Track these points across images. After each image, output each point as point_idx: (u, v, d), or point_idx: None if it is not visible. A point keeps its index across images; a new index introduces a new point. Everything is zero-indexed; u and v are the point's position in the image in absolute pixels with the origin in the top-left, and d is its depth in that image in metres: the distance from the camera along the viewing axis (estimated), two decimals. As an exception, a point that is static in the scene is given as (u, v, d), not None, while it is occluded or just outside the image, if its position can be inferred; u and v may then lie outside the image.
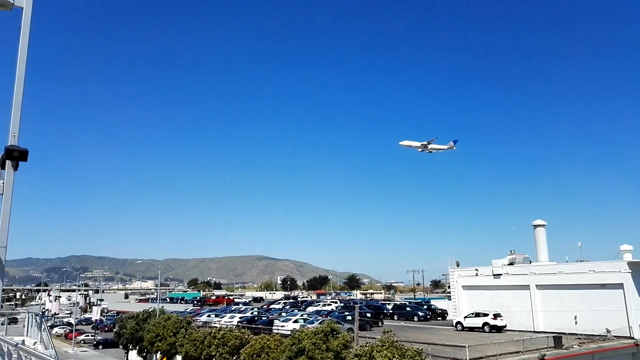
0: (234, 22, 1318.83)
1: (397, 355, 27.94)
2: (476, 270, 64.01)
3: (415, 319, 67.97)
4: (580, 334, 46.78)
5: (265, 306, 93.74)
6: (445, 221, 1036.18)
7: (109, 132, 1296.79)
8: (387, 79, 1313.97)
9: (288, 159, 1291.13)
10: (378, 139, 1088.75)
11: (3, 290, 10.18)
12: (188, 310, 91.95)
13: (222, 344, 42.61)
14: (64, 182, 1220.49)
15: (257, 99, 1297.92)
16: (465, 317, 56.35)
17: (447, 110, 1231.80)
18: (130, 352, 66.24)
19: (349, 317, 54.46)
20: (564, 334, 45.16)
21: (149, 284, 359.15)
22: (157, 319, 55.31)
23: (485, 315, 54.38)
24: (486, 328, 53.01)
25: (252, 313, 70.43)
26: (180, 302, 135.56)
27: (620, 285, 49.78)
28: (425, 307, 76.90)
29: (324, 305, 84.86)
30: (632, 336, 47.46)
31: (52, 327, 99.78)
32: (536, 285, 56.71)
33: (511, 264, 61.74)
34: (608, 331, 47.30)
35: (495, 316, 53.76)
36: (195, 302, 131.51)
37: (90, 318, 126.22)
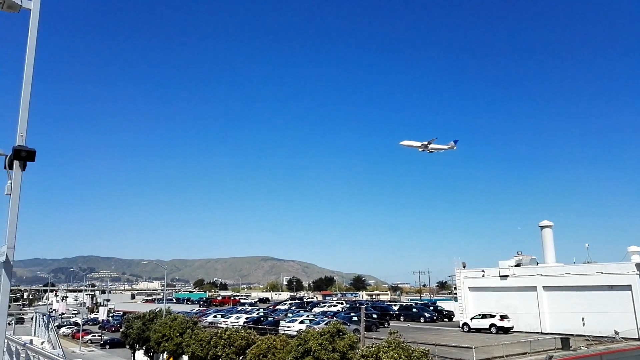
0: (233, 22, 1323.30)
1: (403, 356, 27.87)
2: (483, 271, 63.76)
3: (422, 320, 67.79)
4: (588, 336, 46.54)
5: (271, 307, 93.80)
6: (451, 222, 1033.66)
7: (114, 133, 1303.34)
8: (387, 79, 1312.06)
9: (292, 159, 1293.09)
10: (379, 139, 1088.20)
11: (11, 290, 10.20)
12: (194, 310, 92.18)
13: (229, 344, 42.67)
14: (71, 182, 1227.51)
15: (258, 99, 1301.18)
16: (471, 319, 56.16)
17: (448, 110, 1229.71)
18: (137, 352, 66.45)
19: (355, 318, 54.38)
20: (572, 335, 44.94)
21: (156, 285, 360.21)
22: (163, 319, 55.45)
23: (492, 316, 54.15)
24: (493, 329, 52.80)
25: (258, 314, 70.54)
26: (187, 303, 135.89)
27: (628, 287, 49.42)
28: (431, 308, 76.74)
29: (330, 306, 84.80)
30: (640, 338, 47.15)
31: (59, 327, 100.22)
32: (543, 287, 56.44)
33: (518, 265, 61.47)
34: (616, 333, 47.00)
35: (502, 317, 53.53)
36: (202, 302, 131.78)
37: (97, 318, 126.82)
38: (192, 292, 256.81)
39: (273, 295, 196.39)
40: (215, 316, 70.88)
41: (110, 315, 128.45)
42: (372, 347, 30.20)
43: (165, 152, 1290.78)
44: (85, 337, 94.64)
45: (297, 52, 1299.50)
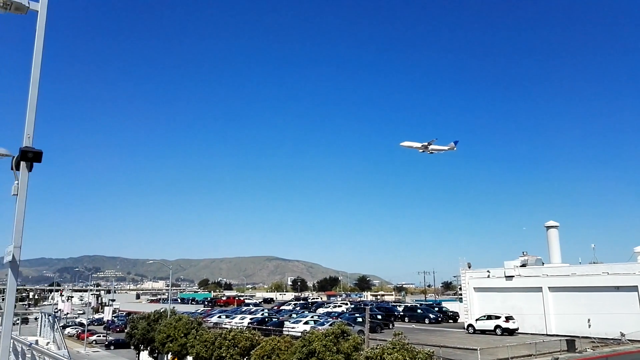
0: (233, 22, 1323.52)
1: (408, 358, 27.78)
2: (488, 272, 63.59)
3: (427, 321, 67.67)
4: (594, 338, 46.28)
5: (275, 307, 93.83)
6: (456, 222, 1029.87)
7: (118, 133, 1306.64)
8: (387, 79, 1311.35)
9: (296, 159, 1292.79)
10: (380, 139, 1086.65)
11: (17, 289, 10.24)
12: (199, 311, 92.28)
13: (233, 345, 42.68)
14: (77, 182, 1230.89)
15: (258, 99, 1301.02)
16: (476, 320, 56.01)
17: (449, 111, 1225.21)
18: (141, 352, 66.55)
19: (360, 319, 54.33)
20: (577, 337, 44.70)
21: (160, 285, 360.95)
22: (168, 320, 55.52)
23: (497, 317, 53.98)
24: (498, 331, 52.64)
25: (262, 314, 70.57)
26: (191, 303, 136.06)
27: (634, 288, 49.17)
28: (436, 309, 76.64)
29: (335, 306, 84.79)
30: (646, 340, 46.85)
31: (64, 327, 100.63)
32: (549, 288, 56.24)
33: (523, 265, 61.27)
34: (622, 335, 46.74)
35: (508, 319, 53.36)
36: (206, 302, 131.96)
37: (102, 318, 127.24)
38: (197, 292, 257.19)
39: (277, 296, 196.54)
40: (219, 317, 70.95)
41: (115, 315, 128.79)
42: (376, 348, 30.14)
43: (170, 152, 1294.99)
44: (90, 337, 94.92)
45: (297, 52, 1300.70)
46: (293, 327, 52.82)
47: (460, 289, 77.02)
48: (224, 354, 42.80)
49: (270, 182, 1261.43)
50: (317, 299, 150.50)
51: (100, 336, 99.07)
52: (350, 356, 31.90)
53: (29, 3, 10.79)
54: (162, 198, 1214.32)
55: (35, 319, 59.58)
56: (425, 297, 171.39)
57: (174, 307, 67.88)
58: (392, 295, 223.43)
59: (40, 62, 10.62)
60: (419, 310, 73.48)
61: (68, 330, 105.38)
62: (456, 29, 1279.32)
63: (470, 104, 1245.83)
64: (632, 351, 44.27)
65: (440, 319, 68.86)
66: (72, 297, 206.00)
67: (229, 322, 62.96)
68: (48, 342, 29.42)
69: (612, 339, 46.54)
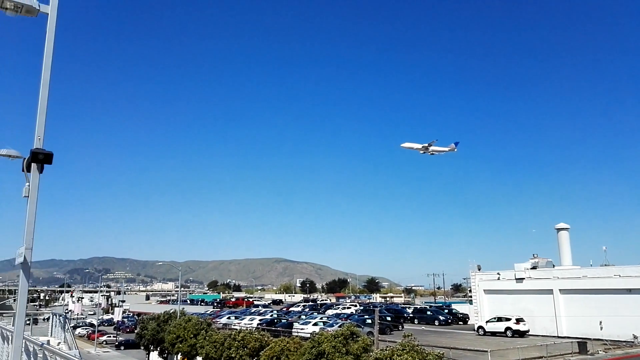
0: (234, 22, 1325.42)
1: (418, 360, 27.69)
2: (498, 274, 63.24)
3: (436, 323, 67.32)
4: (606, 340, 45.83)
5: (284, 309, 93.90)
6: (466, 224, 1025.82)
7: (129, 134, 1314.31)
8: (386, 80, 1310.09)
9: (304, 160, 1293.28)
10: (382, 139, 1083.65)
11: (28, 290, 10.30)
12: (208, 312, 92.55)
13: (242, 346, 42.75)
14: (86, 184, 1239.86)
15: (259, 100, 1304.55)
16: (487, 322, 55.67)
17: (452, 111, 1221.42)
18: (151, 353, 66.84)
19: (369, 321, 54.20)
20: (589, 339, 44.34)
21: (170, 286, 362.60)
22: (177, 321, 55.71)
23: (508, 319, 53.64)
24: (509, 333, 52.29)
25: (271, 315, 70.67)
26: (201, 304, 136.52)
27: (647, 290, 48.69)
28: (446, 311, 76.25)
29: (344, 308, 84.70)
30: (659, 342, 46.33)
31: (74, 327, 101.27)
32: (560, 290, 55.84)
33: (534, 267, 60.85)
34: (635, 337, 46.28)
35: (518, 321, 52.99)
36: (215, 304, 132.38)
37: (112, 319, 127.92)
38: (206, 293, 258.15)
39: (286, 297, 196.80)
40: (229, 317, 71.13)
41: (125, 316, 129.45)
42: (386, 350, 30.05)
43: (179, 154, 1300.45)
44: (100, 338, 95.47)
45: (297, 52, 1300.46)
46: (302, 329, 52.81)
47: (470, 291, 76.70)
48: (233, 355, 42.87)
49: (279, 184, 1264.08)
50: (326, 300, 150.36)
51: (110, 337, 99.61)
52: (359, 357, 31.82)
53: (39, 6, 10.86)
54: (172, 200, 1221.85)
55: (44, 319, 60.04)
56: (435, 299, 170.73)
57: (183, 308, 68.12)
58: (402, 297, 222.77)
59: (50, 64, 10.69)
60: (428, 312, 73.12)
61: (78, 330, 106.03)
62: (456, 29, 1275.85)
63: (475, 105, 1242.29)
64: (645, 354, 43.85)
65: (450, 320, 68.48)
66: (82, 298, 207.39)
67: (238, 323, 63.08)
68: (59, 343, 29.60)
69: (624, 341, 46.07)
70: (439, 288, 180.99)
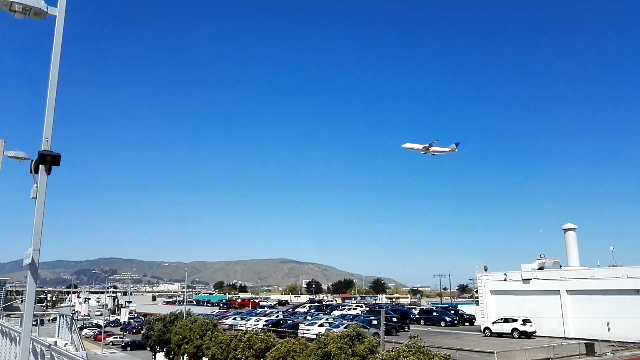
0: (234, 22, 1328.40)
1: (424, 361, 27.58)
2: (505, 274, 63.00)
3: (442, 324, 67.13)
4: (614, 341, 45.54)
5: (290, 309, 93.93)
6: (472, 225, 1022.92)
7: (135, 135, 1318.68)
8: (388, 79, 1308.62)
9: (312, 161, 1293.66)
10: (380, 140, 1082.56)
11: (35, 291, 10.35)
12: (214, 313, 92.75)
13: (248, 347, 42.79)
14: (93, 185, 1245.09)
15: (260, 100, 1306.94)
16: (493, 323, 55.45)
17: (457, 112, 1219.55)
18: (157, 354, 66.99)
19: (375, 322, 54.10)
20: (597, 340, 44.08)
21: (176, 287, 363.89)
22: (184, 322, 55.84)
23: (514, 320, 53.39)
24: (515, 334, 52.03)
25: (277, 316, 70.69)
26: (207, 305, 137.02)
27: (655, 291, 48.34)
28: (452, 312, 76.03)
29: (349, 309, 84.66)
30: (668, 344, 45.99)
31: (81, 328, 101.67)
32: (567, 291, 55.53)
33: (541, 268, 60.55)
34: (643, 338, 45.93)
35: (525, 322, 52.73)
36: (221, 304, 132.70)
37: (119, 320, 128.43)
38: (212, 294, 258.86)
39: (292, 298, 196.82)
40: (234, 318, 71.25)
41: (132, 317, 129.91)
42: (392, 351, 29.96)
43: (186, 155, 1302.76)
44: (107, 339, 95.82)
45: (298, 53, 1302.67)
46: (308, 330, 52.80)
47: (477, 291, 76.39)
48: (239, 356, 42.92)
49: (284, 185, 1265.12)
50: (331, 301, 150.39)
51: (116, 337, 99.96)
52: (365, 359, 31.78)
53: (47, 8, 10.93)
54: (178, 201, 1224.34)
55: (49, 320, 60.25)
56: (441, 300, 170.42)
57: (189, 309, 68.31)
58: (408, 298, 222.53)
59: (58, 66, 10.75)
60: (434, 313, 72.92)
61: (85, 331, 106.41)
62: (458, 29, 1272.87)
63: (480, 105, 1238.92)
64: (653, 355, 43.54)
65: (456, 321, 68.27)
66: (89, 299, 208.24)
67: (244, 324, 63.17)
68: (66, 343, 29.74)
69: (632, 342, 45.74)
70: (445, 289, 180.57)
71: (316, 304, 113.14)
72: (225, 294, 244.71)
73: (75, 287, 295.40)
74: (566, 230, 64.69)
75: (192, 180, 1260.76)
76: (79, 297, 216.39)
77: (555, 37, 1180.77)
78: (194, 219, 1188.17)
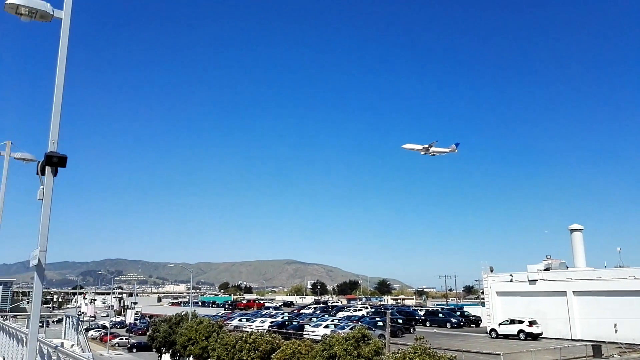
0: (234, 23, 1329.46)
1: (430, 363, 27.50)
2: (511, 275, 62.76)
3: (448, 325, 66.89)
4: (621, 343, 45.32)
5: (295, 311, 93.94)
6: (478, 226, 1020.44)
7: (140, 136, 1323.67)
8: (388, 79, 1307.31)
9: (314, 163, 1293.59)
10: (381, 141, 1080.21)
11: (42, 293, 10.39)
12: (219, 314, 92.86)
13: (254, 348, 42.78)
14: (99, 186, 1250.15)
15: (260, 100, 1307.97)
16: (499, 324, 55.23)
17: (461, 112, 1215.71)
18: (163, 355, 67.10)
19: (380, 323, 54.00)
20: (604, 342, 43.86)
21: (181, 288, 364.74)
22: (189, 323, 55.91)
23: (521, 322, 53.17)
24: (521, 335, 51.80)
25: (282, 318, 70.62)
26: (212, 306, 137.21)
27: (662, 293, 48.03)
28: (458, 313, 75.72)
29: (355, 310, 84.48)
30: (676, 346, 45.66)
31: (87, 330, 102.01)
32: (573, 292, 55.26)
33: (547, 269, 60.31)
34: (650, 340, 45.64)
35: (531, 323, 52.51)
36: (227, 306, 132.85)
37: (125, 321, 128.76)
38: (217, 295, 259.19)
39: (297, 299, 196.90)
40: (240, 320, 71.26)
41: (137, 318, 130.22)
42: (397, 353, 29.90)
43: (191, 156, 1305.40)
44: (112, 340, 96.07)
45: (299, 54, 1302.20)
46: (313, 331, 52.70)
47: (483, 293, 76.18)
48: (244, 357, 42.92)
49: (290, 186, 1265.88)
50: (337, 302, 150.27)
51: (122, 339, 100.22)
52: (371, 360, 31.72)
53: (53, 11, 10.98)
54: (183, 202, 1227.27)
55: (54, 321, 60.42)
56: (447, 301, 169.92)
57: (195, 310, 68.46)
58: (413, 299, 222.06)
59: (64, 69, 10.80)
60: (440, 315, 72.67)
61: (91, 333, 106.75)
62: (458, 29, 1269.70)
63: (484, 105, 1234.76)
64: (661, 357, 43.24)
65: (462, 323, 67.98)
66: (95, 300, 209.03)
67: (250, 326, 63.19)
68: (72, 345, 29.82)
69: None
70: (450, 290, 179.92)
71: (321, 305, 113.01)
72: (230, 295, 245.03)
73: (81, 288, 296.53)
74: (573, 230, 64.43)
75: (197, 182, 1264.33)
76: (85, 298, 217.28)
77: (555, 37, 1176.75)
78: (200, 220, 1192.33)
